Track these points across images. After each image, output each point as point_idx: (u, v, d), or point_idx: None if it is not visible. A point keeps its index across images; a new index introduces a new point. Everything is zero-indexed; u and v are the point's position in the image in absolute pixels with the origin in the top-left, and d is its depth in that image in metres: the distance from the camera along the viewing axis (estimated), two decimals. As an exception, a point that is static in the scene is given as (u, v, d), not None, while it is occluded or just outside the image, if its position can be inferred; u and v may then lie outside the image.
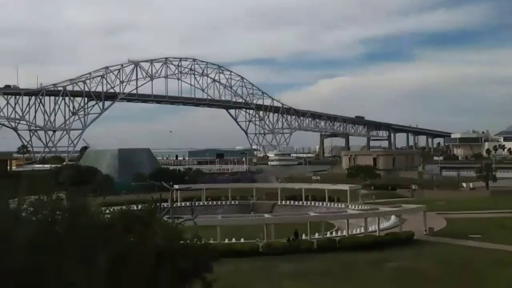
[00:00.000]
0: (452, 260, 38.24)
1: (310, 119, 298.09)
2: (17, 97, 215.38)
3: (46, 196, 16.00)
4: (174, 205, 57.90)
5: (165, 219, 25.37)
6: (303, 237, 46.04)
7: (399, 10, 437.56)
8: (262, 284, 32.38)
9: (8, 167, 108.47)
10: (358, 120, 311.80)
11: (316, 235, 46.89)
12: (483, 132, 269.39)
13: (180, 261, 17.69)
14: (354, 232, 49.53)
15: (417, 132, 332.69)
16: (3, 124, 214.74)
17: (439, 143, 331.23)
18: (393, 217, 56.12)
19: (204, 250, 19.34)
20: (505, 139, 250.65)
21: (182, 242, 18.83)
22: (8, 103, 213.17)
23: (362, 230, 49.19)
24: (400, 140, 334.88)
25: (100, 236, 15.67)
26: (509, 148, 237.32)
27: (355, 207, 66.18)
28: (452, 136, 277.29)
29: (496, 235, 47.58)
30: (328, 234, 49.21)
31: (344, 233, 48.78)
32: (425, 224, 50.73)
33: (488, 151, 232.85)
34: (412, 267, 36.43)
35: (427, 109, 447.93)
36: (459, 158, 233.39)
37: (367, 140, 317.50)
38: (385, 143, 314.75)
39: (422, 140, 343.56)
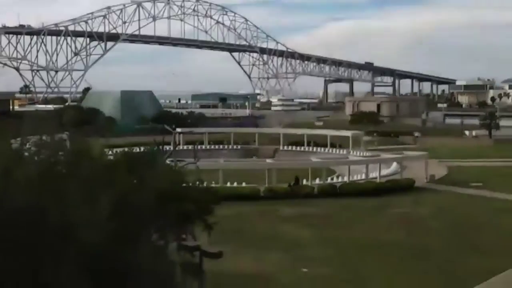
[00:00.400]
0: (452, 208, 38.66)
1: (314, 63, 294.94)
2: (19, 36, 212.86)
3: (49, 136, 15.90)
4: (177, 148, 58.09)
5: (168, 162, 25.41)
6: (304, 182, 46.38)
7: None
8: (263, 227, 32.83)
9: (11, 107, 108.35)
10: (363, 65, 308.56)
11: (317, 181, 47.22)
12: (488, 80, 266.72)
13: (182, 203, 17.75)
14: (355, 178, 49.83)
15: (422, 78, 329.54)
16: (5, 64, 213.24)
17: (443, 91, 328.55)
18: (394, 164, 56.36)
19: (206, 193, 19.41)
20: (511, 87, 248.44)
21: (184, 184, 18.87)
22: (10, 42, 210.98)
23: (363, 177, 49.51)
24: (405, 86, 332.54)
25: (102, 177, 15.68)
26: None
27: (357, 153, 66.37)
28: (457, 83, 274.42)
29: (497, 184, 47.86)
30: (329, 180, 49.54)
31: (345, 179, 49.07)
32: (426, 172, 50.97)
33: (492, 99, 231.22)
34: (412, 214, 36.84)
35: (434, 55, 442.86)
36: (463, 105, 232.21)
37: (372, 86, 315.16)
38: (389, 90, 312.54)
39: (426, 87, 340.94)
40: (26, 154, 15.69)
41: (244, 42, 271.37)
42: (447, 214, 36.67)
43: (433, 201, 41.24)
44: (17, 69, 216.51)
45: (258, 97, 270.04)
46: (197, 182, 19.38)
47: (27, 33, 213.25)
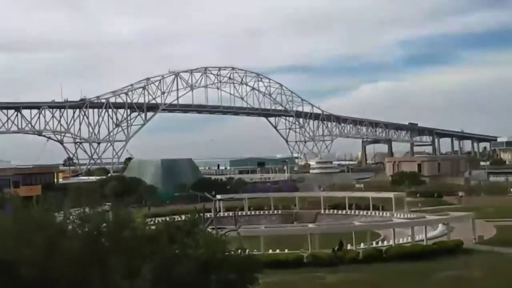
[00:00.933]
0: (505, 270, 36.86)
1: (351, 125, 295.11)
2: (62, 110, 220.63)
3: (91, 208, 16.03)
4: (217, 215, 57.85)
5: (209, 230, 25.19)
6: (348, 247, 45.28)
7: (441, 11, 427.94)
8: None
9: (55, 180, 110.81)
10: (401, 126, 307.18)
11: (362, 245, 46.05)
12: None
13: (225, 272, 17.42)
14: (400, 241, 48.42)
15: (461, 136, 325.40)
16: (50, 137, 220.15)
17: (485, 148, 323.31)
18: (440, 225, 54.69)
19: (249, 261, 19.02)
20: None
21: (226, 253, 18.57)
22: (53, 116, 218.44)
23: (409, 239, 48.09)
24: (445, 145, 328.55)
25: (144, 247, 15.59)
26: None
27: (400, 215, 64.82)
28: (499, 140, 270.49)
29: (549, 243, 45.76)
30: (374, 244, 48.26)
31: (391, 242, 47.71)
32: (474, 232, 49.21)
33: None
34: (462, 277, 35.25)
35: (472, 112, 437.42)
36: (507, 162, 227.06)
37: (411, 146, 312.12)
38: (429, 149, 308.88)
39: (467, 145, 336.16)
40: (70, 227, 15.80)
41: (279, 107, 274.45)
42: (500, 277, 34.93)
43: (484, 263, 39.47)
44: (61, 142, 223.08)
45: (296, 160, 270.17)
46: (239, 250, 19.07)
47: (70, 107, 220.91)
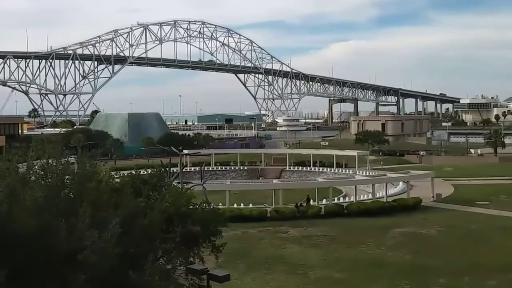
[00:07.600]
0: (459, 227, 38.45)
1: (319, 84, 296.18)
2: (28, 60, 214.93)
3: (56, 160, 16.08)
4: (184, 170, 58.17)
5: (175, 183, 25.55)
6: (311, 202, 46.37)
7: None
8: (270, 249, 32.78)
9: (19, 131, 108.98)
10: (367, 85, 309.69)
11: (324, 201, 47.19)
12: (492, 98, 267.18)
13: (189, 225, 17.82)
14: (361, 198, 49.76)
15: (426, 97, 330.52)
16: (14, 88, 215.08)
17: (447, 109, 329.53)
18: (401, 183, 56.29)
19: (213, 215, 19.48)
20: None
21: (191, 206, 18.96)
22: (18, 66, 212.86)
23: (370, 196, 49.44)
24: (409, 105, 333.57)
25: (108, 200, 15.81)
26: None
27: (363, 173, 66.31)
28: (461, 101, 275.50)
29: (503, 202, 47.78)
30: (336, 200, 49.51)
31: (352, 199, 49.02)
32: (432, 191, 50.84)
33: (497, 116, 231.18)
34: (419, 233, 36.69)
35: (437, 74, 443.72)
36: (468, 124, 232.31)
37: (376, 106, 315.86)
38: (394, 109, 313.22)
39: (431, 106, 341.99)
40: (33, 178, 15.89)
41: (249, 64, 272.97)
42: (455, 233, 36.47)
43: (440, 220, 41.04)
44: (26, 93, 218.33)
45: (264, 117, 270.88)
46: (204, 204, 19.48)
47: (36, 57, 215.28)
